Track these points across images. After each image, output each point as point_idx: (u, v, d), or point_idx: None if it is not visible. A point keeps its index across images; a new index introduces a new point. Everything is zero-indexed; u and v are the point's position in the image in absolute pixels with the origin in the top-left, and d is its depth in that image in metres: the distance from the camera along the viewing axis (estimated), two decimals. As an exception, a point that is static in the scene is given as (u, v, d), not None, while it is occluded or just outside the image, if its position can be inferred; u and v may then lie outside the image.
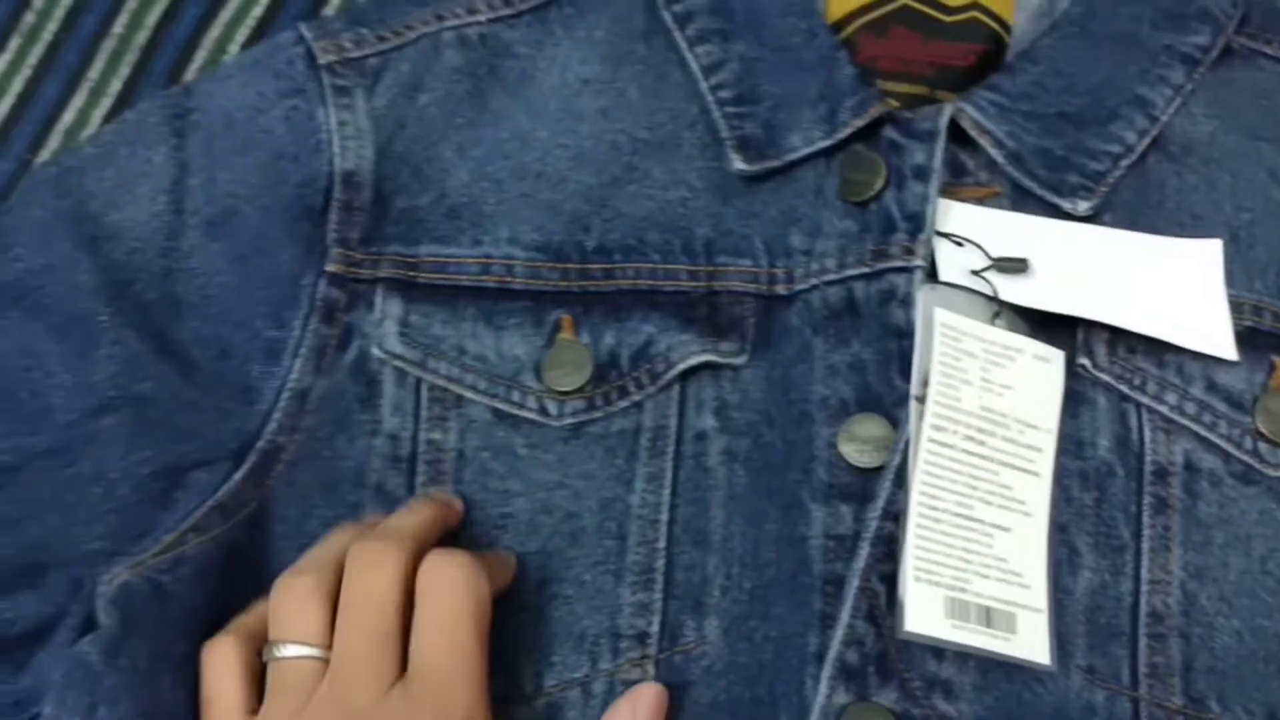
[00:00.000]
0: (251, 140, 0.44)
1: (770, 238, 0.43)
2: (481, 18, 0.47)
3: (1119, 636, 0.38)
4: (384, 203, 0.44)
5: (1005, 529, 0.38)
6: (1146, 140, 0.43)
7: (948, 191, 0.42)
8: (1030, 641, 0.37)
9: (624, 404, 0.41)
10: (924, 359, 0.39)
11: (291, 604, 0.36)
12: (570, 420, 0.41)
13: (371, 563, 0.36)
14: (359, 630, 0.35)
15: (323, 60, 0.44)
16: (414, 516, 0.38)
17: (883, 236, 0.41)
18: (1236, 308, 0.41)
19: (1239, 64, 0.46)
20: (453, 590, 0.35)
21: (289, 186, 0.43)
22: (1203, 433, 0.40)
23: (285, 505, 0.41)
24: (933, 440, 0.38)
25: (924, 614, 0.36)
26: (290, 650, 0.36)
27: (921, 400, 0.38)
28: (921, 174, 0.42)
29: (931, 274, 0.41)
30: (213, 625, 0.38)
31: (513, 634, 0.39)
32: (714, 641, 0.38)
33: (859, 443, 0.39)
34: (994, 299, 0.41)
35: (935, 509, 0.37)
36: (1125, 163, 0.43)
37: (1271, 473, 0.40)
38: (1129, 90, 0.44)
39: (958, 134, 0.43)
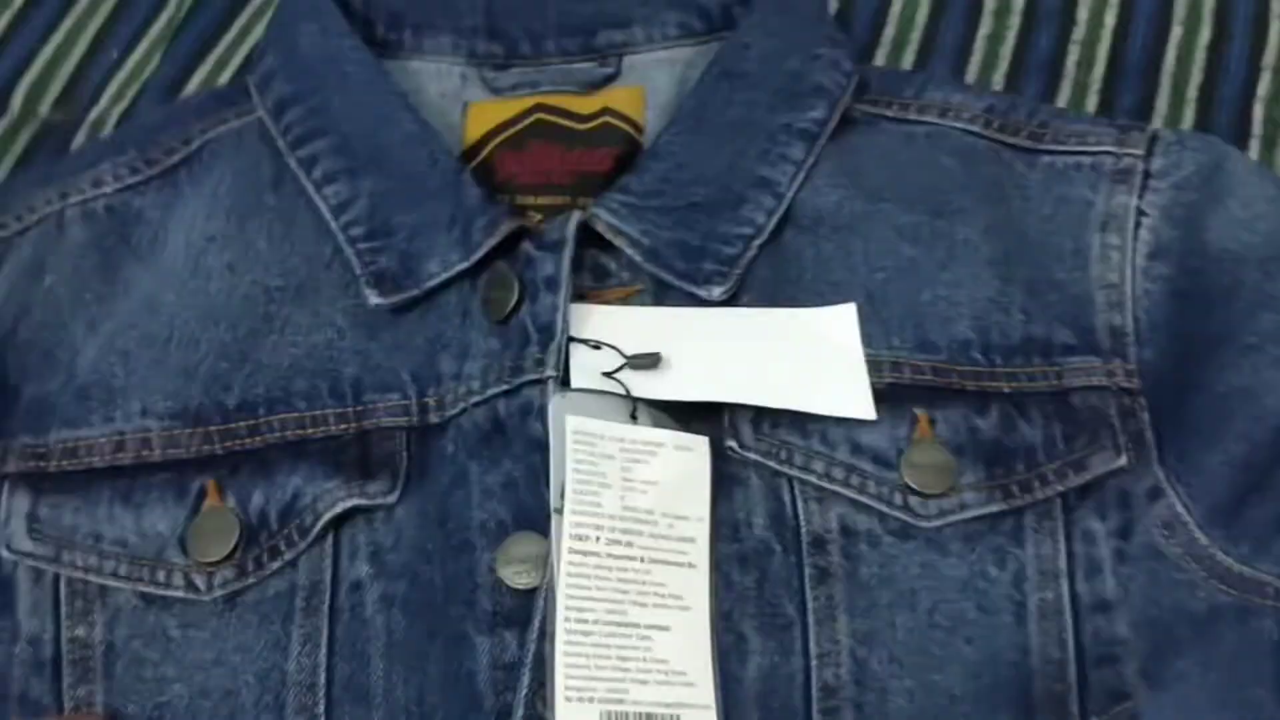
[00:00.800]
0: None
1: (419, 366, 0.42)
2: (108, 189, 0.46)
3: (793, 717, 0.37)
4: (12, 393, 0.42)
5: (664, 628, 0.38)
6: (775, 218, 0.44)
7: (592, 296, 0.43)
8: (697, 743, 0.36)
9: (276, 565, 0.39)
10: (559, 469, 0.38)
11: None
12: (221, 591, 0.39)
13: None
14: None
15: None
16: None
17: (520, 351, 0.41)
18: (876, 366, 0.42)
19: (861, 130, 0.47)
20: None
21: None
22: (853, 495, 0.40)
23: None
24: (574, 550, 0.37)
25: (577, 733, 0.35)
26: None
27: (560, 511, 0.38)
28: (551, 284, 0.42)
29: (568, 382, 0.41)
30: None
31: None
32: None
33: (517, 564, 0.38)
34: (629, 397, 0.41)
35: (584, 620, 0.37)
36: (757, 242, 0.44)
37: (926, 524, 0.40)
38: (752, 173, 0.45)
39: (596, 239, 0.43)
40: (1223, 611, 0.38)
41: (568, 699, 0.35)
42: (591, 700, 0.36)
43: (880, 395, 0.42)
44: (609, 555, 0.38)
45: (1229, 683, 0.37)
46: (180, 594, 0.39)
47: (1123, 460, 0.40)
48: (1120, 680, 0.38)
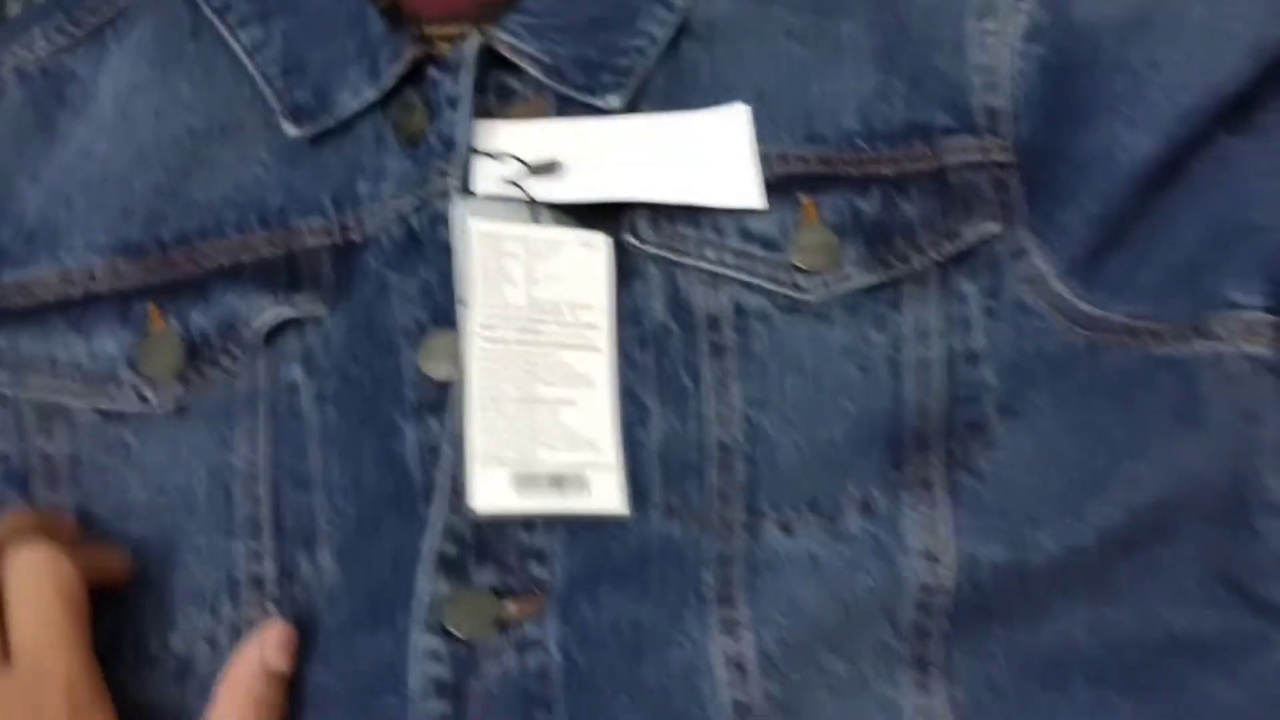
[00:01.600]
0: None
1: (338, 191, 0.45)
2: (41, 52, 0.49)
3: (691, 473, 0.41)
4: None
5: (571, 402, 0.41)
6: (670, 29, 0.47)
7: (499, 114, 0.46)
8: (604, 496, 0.40)
9: (218, 375, 0.43)
10: (467, 268, 0.42)
11: None
12: (171, 404, 0.43)
13: None
14: None
15: None
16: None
17: (428, 167, 0.44)
18: (766, 161, 0.45)
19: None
20: (33, 572, 0.38)
21: None
22: (745, 278, 0.43)
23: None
24: (484, 339, 0.41)
25: (491, 491, 0.39)
26: None
27: (465, 304, 0.41)
28: (454, 102, 0.45)
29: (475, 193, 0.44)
30: None
31: (138, 609, 0.41)
32: (329, 569, 0.41)
33: (436, 358, 0.42)
34: (530, 202, 0.44)
35: (495, 399, 0.40)
36: (653, 52, 0.46)
37: (812, 299, 0.43)
38: (646, -14, 0.47)
39: (501, 61, 0.46)
40: (1076, 351, 0.42)
41: (482, 464, 0.39)
42: (502, 464, 0.40)
43: (771, 187, 0.45)
44: (517, 343, 0.41)
45: (1079, 410, 0.41)
46: (133, 409, 0.43)
47: (994, 228, 0.44)
48: (981, 415, 0.42)
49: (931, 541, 0.40)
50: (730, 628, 0.39)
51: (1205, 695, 0.38)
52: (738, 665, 0.39)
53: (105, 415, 0.44)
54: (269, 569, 0.41)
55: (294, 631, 0.40)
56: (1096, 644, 0.39)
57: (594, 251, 0.44)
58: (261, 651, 0.39)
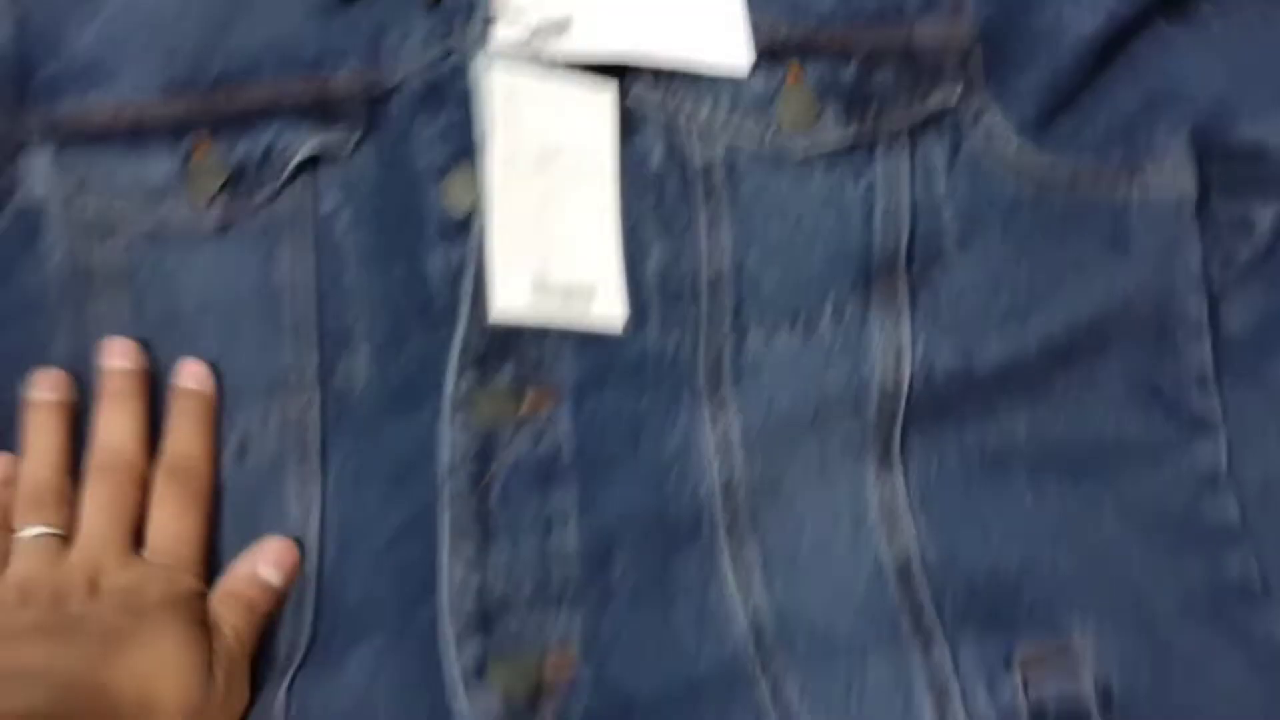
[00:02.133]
0: None
1: (368, 45, 0.50)
2: None
3: (685, 296, 0.47)
4: (27, 72, 0.50)
5: (580, 230, 0.47)
6: None
7: None
8: (608, 309, 0.46)
9: (260, 199, 0.48)
10: (485, 114, 0.47)
11: (35, 493, 0.44)
12: (217, 223, 0.48)
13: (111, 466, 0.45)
14: (104, 511, 0.44)
15: None
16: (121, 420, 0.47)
17: (449, 25, 0.49)
18: (756, 29, 0.50)
19: None
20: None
21: None
22: (734, 134, 0.49)
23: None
24: (502, 174, 0.46)
25: (510, 298, 0.44)
26: (34, 530, 0.43)
27: (483, 145, 0.47)
28: None
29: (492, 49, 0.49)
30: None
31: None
32: (364, 367, 0.46)
33: (457, 192, 0.47)
34: (543, 56, 0.49)
35: (513, 223, 0.46)
36: None
37: (796, 155, 0.49)
38: None
39: None
40: (1024, 199, 0.48)
41: (502, 276, 0.44)
42: (520, 275, 0.45)
43: (760, 53, 0.50)
44: (532, 177, 0.47)
45: (1024, 244, 0.47)
46: (182, 226, 0.48)
47: (956, 95, 0.49)
48: (940, 249, 0.47)
49: (893, 346, 0.45)
50: (717, 417, 0.45)
51: (1128, 487, 0.44)
52: (724, 449, 0.44)
53: (155, 233, 0.49)
54: (311, 367, 0.46)
55: (293, 548, 0.46)
56: (1035, 443, 0.45)
57: (601, 101, 0.49)
58: (257, 563, 0.45)
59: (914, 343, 0.45)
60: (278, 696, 0.45)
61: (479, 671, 0.43)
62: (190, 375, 0.47)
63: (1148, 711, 0.41)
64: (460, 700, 0.42)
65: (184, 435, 0.46)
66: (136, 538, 0.45)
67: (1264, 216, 0.47)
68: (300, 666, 0.45)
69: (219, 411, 0.47)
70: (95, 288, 0.48)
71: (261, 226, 0.48)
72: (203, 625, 0.43)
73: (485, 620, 0.43)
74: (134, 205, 0.48)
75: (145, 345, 0.48)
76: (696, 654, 0.43)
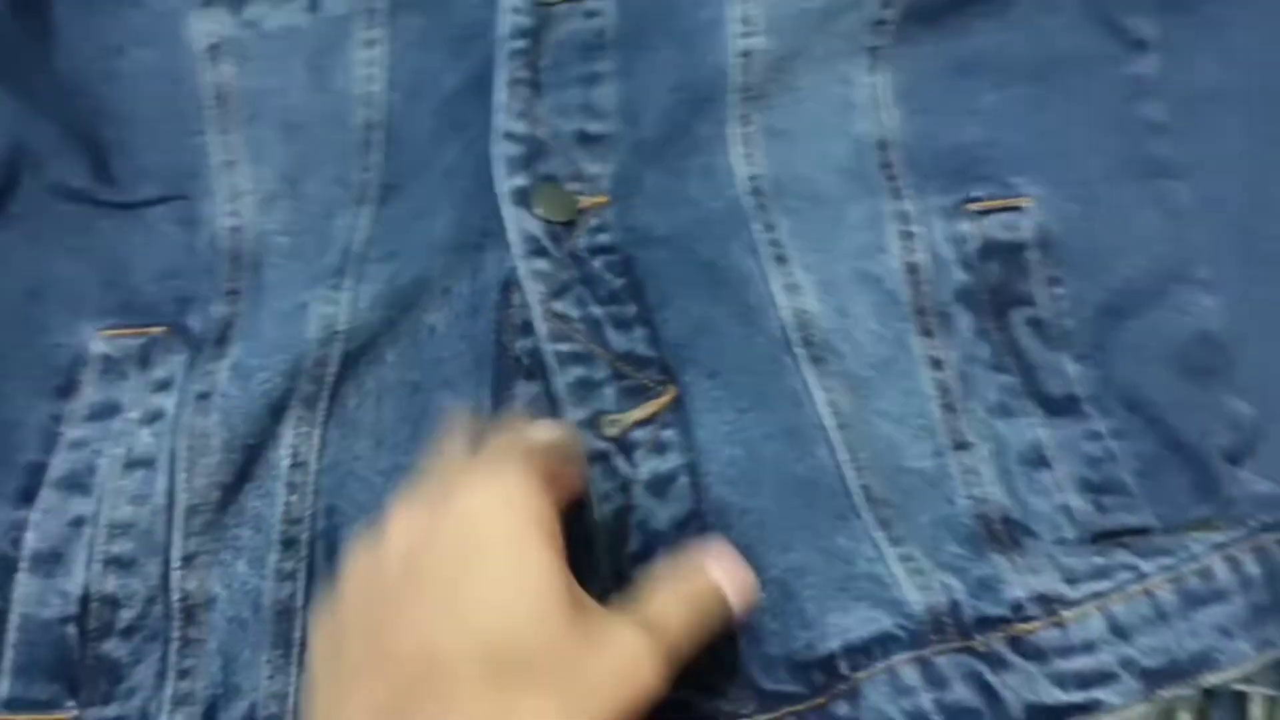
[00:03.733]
0: None
1: None
2: None
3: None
4: None
5: None
6: None
7: None
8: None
9: None
10: None
11: None
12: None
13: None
14: None
15: None
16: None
17: None
18: None
19: None
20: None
21: None
22: None
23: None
24: None
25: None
26: None
27: None
28: None
29: None
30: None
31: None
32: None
33: None
34: None
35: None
36: None
37: None
38: None
39: None
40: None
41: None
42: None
43: None
44: None
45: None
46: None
47: None
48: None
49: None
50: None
51: (1076, 88, 0.52)
52: (745, 22, 0.52)
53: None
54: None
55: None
56: (1001, 54, 0.52)
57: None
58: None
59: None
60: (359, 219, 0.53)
61: (523, 198, 0.51)
62: None
63: (1078, 251, 0.49)
64: (508, 221, 0.51)
65: None
66: None
67: None
68: (373, 201, 0.53)
69: None
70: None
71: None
72: None
73: (531, 159, 0.52)
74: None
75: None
76: (702, 200, 0.51)
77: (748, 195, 0.51)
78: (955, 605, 0.42)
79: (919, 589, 0.42)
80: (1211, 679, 0.41)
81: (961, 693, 0.41)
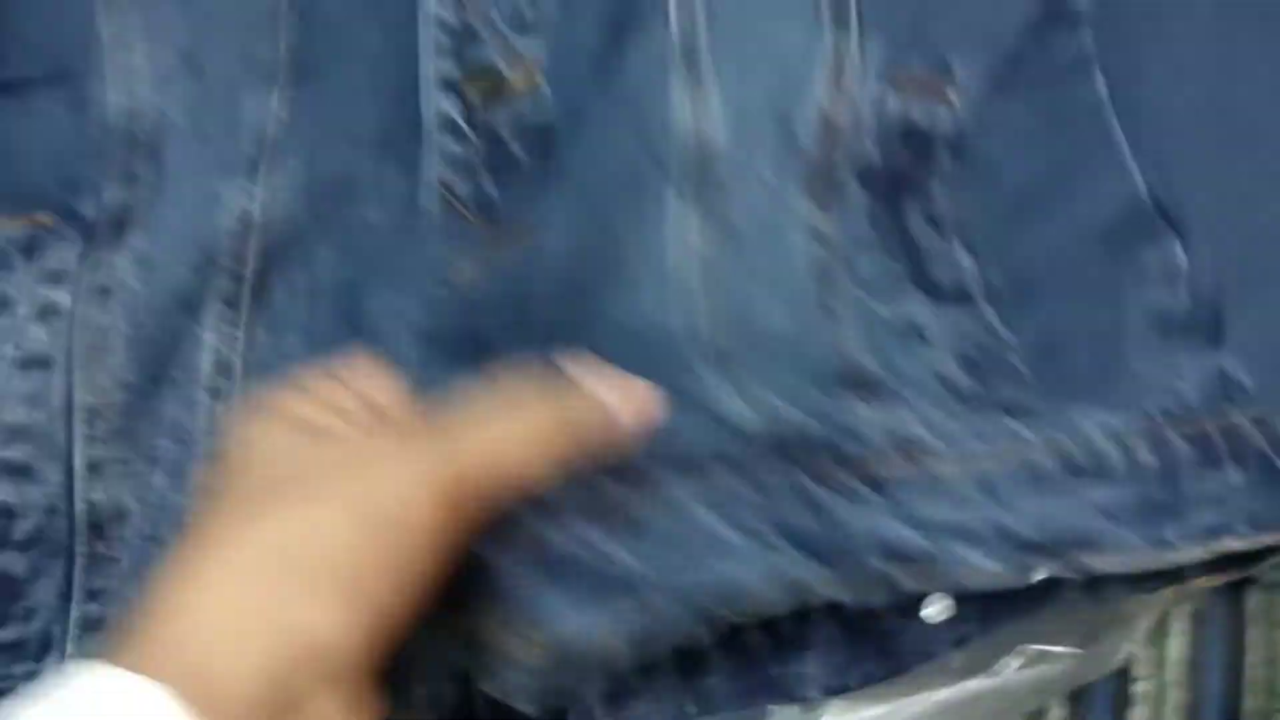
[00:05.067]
0: None
1: None
2: None
3: None
4: None
5: None
6: None
7: None
8: None
9: None
10: None
11: None
12: None
13: None
14: None
15: None
16: None
17: None
18: None
19: None
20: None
21: None
22: None
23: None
24: None
25: None
26: None
27: None
28: None
29: None
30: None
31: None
32: None
33: None
34: None
35: None
36: None
37: None
38: None
39: None
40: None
41: None
42: None
43: None
44: None
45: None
46: None
47: None
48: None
49: None
50: None
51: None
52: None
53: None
54: None
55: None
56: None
57: None
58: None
59: None
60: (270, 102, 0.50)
61: (452, 87, 0.48)
62: None
63: (988, 154, 0.46)
64: (424, 105, 0.48)
65: None
66: None
67: None
68: (285, 84, 0.50)
69: None
70: None
71: None
72: None
73: (460, 45, 0.48)
74: None
75: None
76: (629, 61, 0.46)
77: (677, 52, 0.46)
78: (805, 438, 0.39)
79: (764, 419, 0.39)
80: (1093, 561, 0.37)
81: (794, 514, 0.37)
